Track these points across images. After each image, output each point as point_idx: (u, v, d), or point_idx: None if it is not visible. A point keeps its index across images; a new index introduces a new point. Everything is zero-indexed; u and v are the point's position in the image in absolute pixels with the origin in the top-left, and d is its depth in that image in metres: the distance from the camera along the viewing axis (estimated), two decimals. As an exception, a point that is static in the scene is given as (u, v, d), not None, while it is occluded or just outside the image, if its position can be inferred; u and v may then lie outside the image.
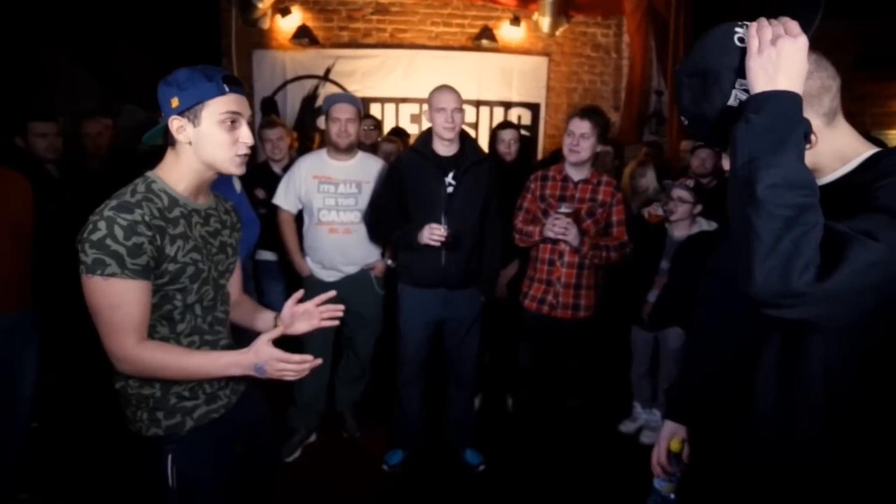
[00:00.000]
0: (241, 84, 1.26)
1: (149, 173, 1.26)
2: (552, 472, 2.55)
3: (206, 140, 1.21)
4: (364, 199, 2.52)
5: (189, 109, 1.19)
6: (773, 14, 0.92)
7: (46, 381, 2.64)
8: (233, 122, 1.22)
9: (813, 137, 0.86)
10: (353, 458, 2.66)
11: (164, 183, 1.24)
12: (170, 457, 1.27)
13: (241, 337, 1.48)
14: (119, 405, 1.31)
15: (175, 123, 1.21)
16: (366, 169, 2.56)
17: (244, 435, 1.44)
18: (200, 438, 1.29)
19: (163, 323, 1.24)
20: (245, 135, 1.24)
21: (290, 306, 1.42)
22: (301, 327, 1.44)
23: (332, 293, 1.44)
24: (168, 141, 1.25)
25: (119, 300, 1.13)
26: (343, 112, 2.44)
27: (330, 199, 2.51)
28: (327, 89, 5.08)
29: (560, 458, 2.63)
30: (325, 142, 2.57)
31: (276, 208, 2.66)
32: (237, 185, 2.58)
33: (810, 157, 0.90)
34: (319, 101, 5.10)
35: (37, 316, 2.22)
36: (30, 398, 2.22)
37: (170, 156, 1.26)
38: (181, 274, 1.22)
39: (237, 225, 1.48)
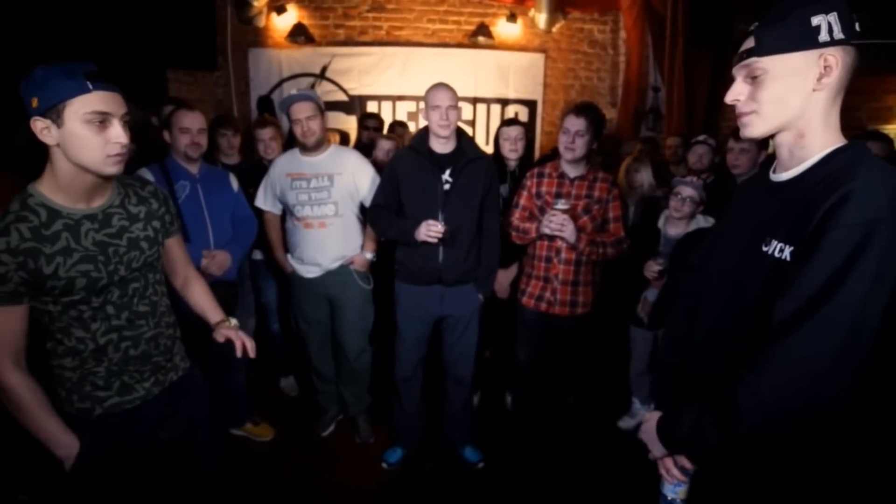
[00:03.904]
0: (110, 80, 1.17)
1: (29, 186, 1.20)
2: (551, 469, 2.55)
3: (73, 141, 1.13)
4: (337, 192, 2.49)
5: (50, 109, 1.12)
6: (768, 6, 0.95)
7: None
8: (101, 121, 1.14)
9: (831, 64, 0.94)
10: (352, 457, 2.66)
11: (43, 195, 1.19)
12: (78, 436, 1.31)
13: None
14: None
15: (38, 125, 1.14)
16: (338, 161, 2.53)
17: (174, 422, 1.47)
18: (108, 426, 1.33)
19: (75, 325, 1.25)
20: (116, 134, 1.15)
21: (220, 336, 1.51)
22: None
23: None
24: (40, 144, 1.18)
25: None
26: (301, 111, 2.41)
27: (303, 195, 2.50)
28: (324, 87, 5.08)
29: (559, 455, 2.64)
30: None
31: (261, 210, 2.68)
32: (234, 184, 2.58)
33: (795, 136, 1.00)
34: (316, 100, 5.09)
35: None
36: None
37: (48, 163, 1.19)
38: (71, 287, 1.20)
39: (158, 211, 1.42)
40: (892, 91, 3.49)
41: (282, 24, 5.01)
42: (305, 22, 5.03)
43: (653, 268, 2.51)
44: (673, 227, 2.61)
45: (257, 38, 5.06)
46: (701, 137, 3.22)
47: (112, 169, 1.19)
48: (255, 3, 4.80)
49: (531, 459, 2.62)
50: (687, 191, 2.53)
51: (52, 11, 4.20)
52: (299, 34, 4.96)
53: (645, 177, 3.12)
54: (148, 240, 1.36)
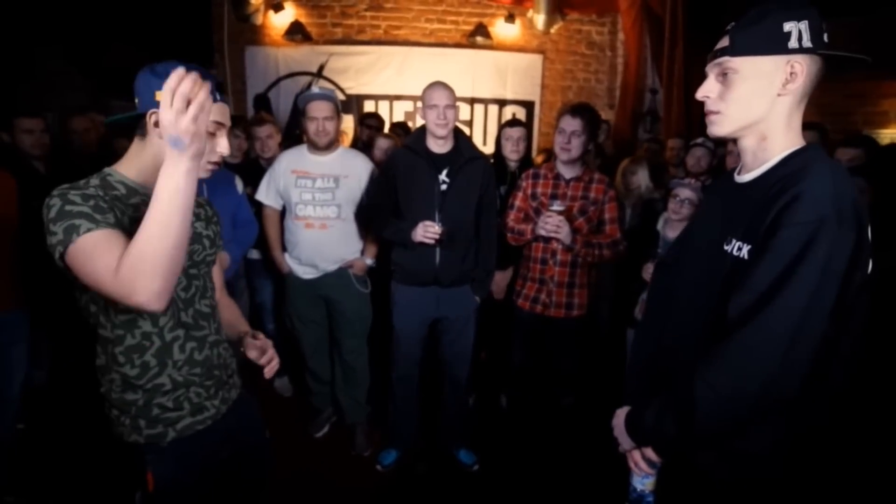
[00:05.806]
0: (224, 92, 1.26)
1: (105, 168, 1.20)
2: (546, 471, 2.54)
3: None
4: (341, 194, 2.47)
5: None
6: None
7: (36, 381, 2.61)
8: (214, 131, 1.22)
9: (797, 71, 0.98)
10: (346, 459, 2.64)
11: (122, 175, 1.19)
12: (149, 466, 1.25)
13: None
14: (104, 408, 1.28)
15: (155, 118, 1.15)
16: (345, 164, 2.51)
17: (234, 439, 1.42)
18: (182, 450, 1.26)
19: (144, 317, 1.20)
20: (222, 145, 1.24)
21: (250, 348, 1.42)
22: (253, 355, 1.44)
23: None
24: (137, 131, 1.19)
25: (105, 247, 1.02)
26: (320, 110, 2.40)
27: (307, 194, 2.47)
28: (321, 86, 5.05)
29: (554, 457, 2.63)
30: (305, 138, 2.54)
31: (260, 205, 2.64)
32: (239, 186, 2.57)
33: (758, 139, 1.03)
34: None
35: (25, 315, 2.19)
36: (16, 399, 2.19)
37: (135, 146, 1.20)
38: None
39: (213, 218, 1.45)
40: (889, 95, 3.49)
41: (279, 21, 4.99)
42: (303, 20, 5.01)
43: (651, 270, 2.50)
44: (672, 229, 2.60)
45: (254, 35, 5.04)
46: (699, 140, 3.21)
47: (204, 175, 1.23)
48: (252, 1, 4.77)
49: (526, 462, 2.61)
50: (685, 193, 2.52)
51: (49, 11, 4.18)
52: (296, 32, 4.94)
53: (642, 178, 3.11)
54: (209, 239, 1.38)
